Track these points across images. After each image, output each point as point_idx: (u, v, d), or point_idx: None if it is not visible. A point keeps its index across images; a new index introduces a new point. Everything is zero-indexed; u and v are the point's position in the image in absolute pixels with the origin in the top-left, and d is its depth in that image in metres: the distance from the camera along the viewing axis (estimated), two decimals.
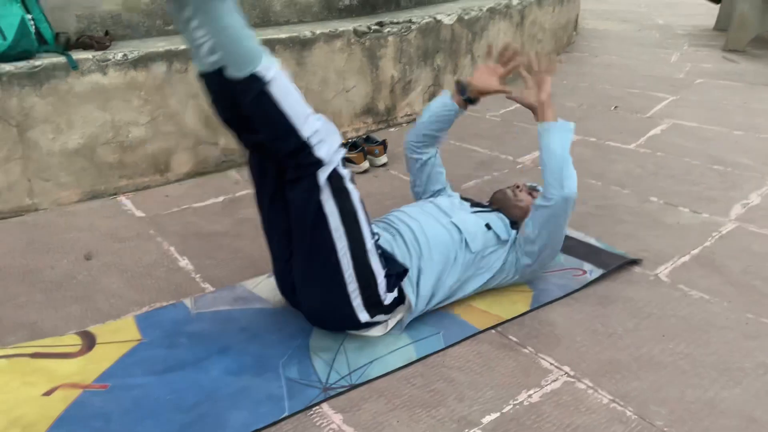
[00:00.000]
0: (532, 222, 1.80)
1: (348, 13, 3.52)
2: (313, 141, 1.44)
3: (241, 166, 2.92)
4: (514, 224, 1.91)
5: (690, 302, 1.86)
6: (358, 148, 2.89)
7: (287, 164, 1.49)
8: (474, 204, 2.03)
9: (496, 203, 2.07)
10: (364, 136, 3.08)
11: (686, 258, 2.11)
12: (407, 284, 1.69)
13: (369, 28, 3.27)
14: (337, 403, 1.47)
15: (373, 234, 1.68)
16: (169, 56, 2.61)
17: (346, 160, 2.74)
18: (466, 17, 3.83)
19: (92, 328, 1.74)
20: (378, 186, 2.75)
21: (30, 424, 1.37)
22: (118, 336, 1.70)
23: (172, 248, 2.20)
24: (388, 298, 1.63)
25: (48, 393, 1.48)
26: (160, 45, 2.64)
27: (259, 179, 1.61)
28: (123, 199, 2.61)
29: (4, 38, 2.30)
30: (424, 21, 3.55)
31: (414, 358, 1.61)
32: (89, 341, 1.68)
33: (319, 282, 1.59)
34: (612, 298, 1.88)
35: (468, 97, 1.99)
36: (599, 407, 1.44)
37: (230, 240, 2.27)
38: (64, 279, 2.01)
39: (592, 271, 1.99)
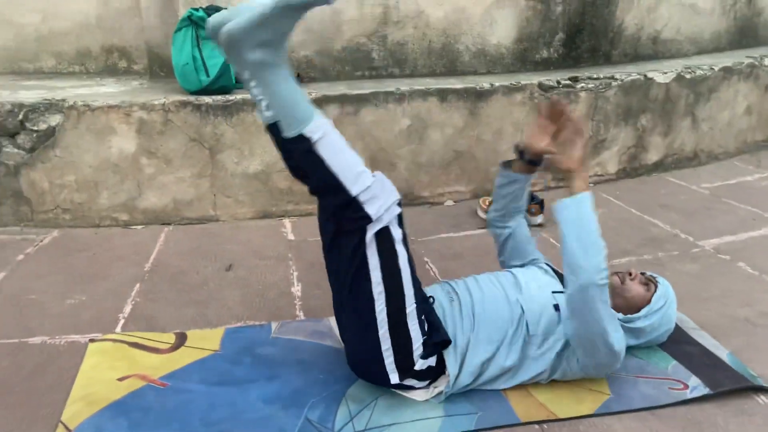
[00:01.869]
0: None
1: (545, 66, 3.40)
2: (362, 198, 1.45)
3: (406, 205, 3.00)
4: None
5: None
6: None
7: (339, 216, 1.52)
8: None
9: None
10: None
11: None
12: (451, 355, 1.59)
13: (558, 82, 3.12)
14: None
15: (426, 298, 1.63)
16: (341, 99, 2.82)
17: None
18: (689, 76, 3.43)
19: (189, 332, 1.96)
20: None
21: (93, 402, 1.60)
22: (203, 343, 1.89)
23: (294, 273, 2.37)
24: (422, 364, 1.56)
25: (122, 379, 1.71)
26: (339, 89, 2.87)
27: (321, 224, 1.67)
28: (286, 221, 2.88)
29: (208, 75, 2.71)
30: (630, 78, 3.26)
31: None
32: (179, 342, 1.90)
33: (355, 333, 1.58)
34: (700, 426, 1.53)
35: (530, 159, 1.80)
36: None
37: None
38: (198, 284, 2.29)
39: (696, 389, 1.64)
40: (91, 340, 1.90)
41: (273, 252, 2.56)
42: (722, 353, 1.80)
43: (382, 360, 1.54)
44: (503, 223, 1.95)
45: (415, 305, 1.54)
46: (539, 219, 2.80)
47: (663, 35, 3.71)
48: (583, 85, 3.17)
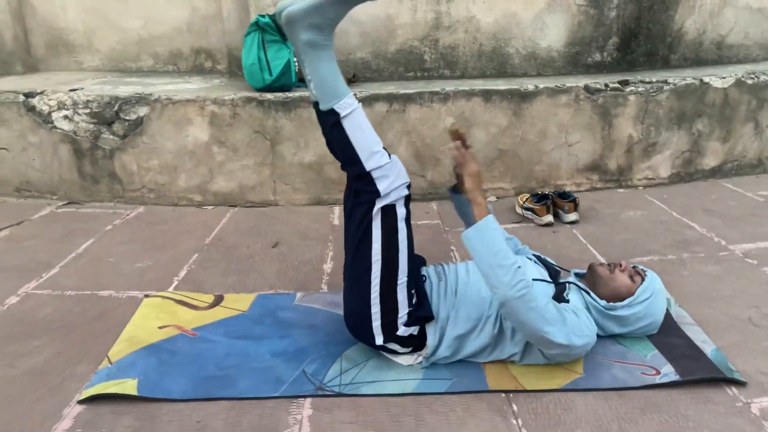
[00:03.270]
0: None
1: (597, 69, 3.42)
2: (375, 174, 1.65)
3: (444, 199, 3.16)
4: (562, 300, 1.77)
5: None
6: (545, 200, 2.85)
7: (355, 186, 1.72)
8: (552, 272, 1.91)
9: (589, 274, 1.92)
10: (559, 192, 2.99)
11: None
12: (432, 329, 1.75)
13: (606, 85, 3.14)
14: (319, 402, 1.64)
15: (419, 275, 1.79)
16: (390, 98, 3.01)
17: (530, 210, 2.78)
18: (750, 81, 3.32)
19: (226, 295, 2.23)
20: (545, 241, 2.68)
21: (134, 343, 1.90)
22: (235, 305, 2.16)
23: (330, 253, 2.59)
24: (404, 331, 1.72)
25: (162, 327, 2.00)
26: (388, 88, 3.06)
27: (345, 198, 1.85)
28: (335, 208, 3.11)
29: (271, 74, 2.99)
30: (684, 83, 3.22)
31: (408, 391, 1.67)
32: (216, 302, 2.17)
33: (351, 293, 1.77)
34: (661, 409, 1.58)
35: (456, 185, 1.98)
36: None
37: None
38: (245, 257, 2.57)
39: (666, 375, 1.69)
40: (146, 296, 2.21)
41: (316, 234, 2.80)
42: (708, 348, 1.83)
43: (371, 322, 1.72)
44: None
45: (406, 279, 1.71)
46: (573, 216, 2.85)
47: (728, 40, 3.60)
48: (632, 88, 3.17)
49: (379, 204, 1.67)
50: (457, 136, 1.80)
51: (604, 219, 2.92)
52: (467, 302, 1.76)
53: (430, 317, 1.74)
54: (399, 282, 1.70)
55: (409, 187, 1.71)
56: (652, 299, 1.83)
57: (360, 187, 1.69)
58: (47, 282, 2.35)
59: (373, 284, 1.70)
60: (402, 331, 1.73)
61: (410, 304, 1.73)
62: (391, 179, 1.66)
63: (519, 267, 1.59)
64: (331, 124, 1.67)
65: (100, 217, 3.05)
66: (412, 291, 1.74)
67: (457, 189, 2.02)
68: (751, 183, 3.41)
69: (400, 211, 1.70)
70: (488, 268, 1.59)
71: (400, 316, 1.71)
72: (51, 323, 2.06)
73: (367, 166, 1.65)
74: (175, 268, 2.47)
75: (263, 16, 2.97)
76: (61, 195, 3.25)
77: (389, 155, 1.69)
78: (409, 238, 1.72)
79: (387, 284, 1.70)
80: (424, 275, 1.85)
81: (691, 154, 3.38)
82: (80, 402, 1.64)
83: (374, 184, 1.66)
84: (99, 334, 1.98)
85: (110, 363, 1.79)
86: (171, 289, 2.29)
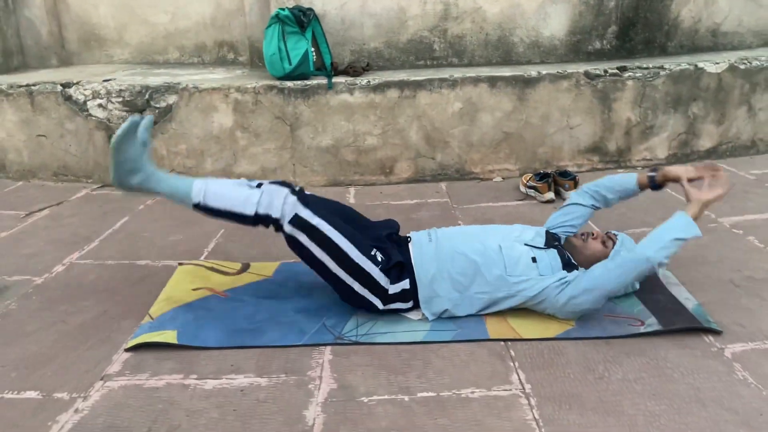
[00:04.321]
0: (604, 264, 1.86)
1: (598, 57, 3.56)
2: (261, 211, 1.86)
3: (453, 180, 3.33)
4: (572, 266, 1.93)
5: (729, 386, 1.61)
6: (547, 178, 3.01)
7: (266, 228, 1.92)
8: (551, 241, 2.05)
9: (567, 245, 2.07)
10: (560, 171, 3.14)
11: None
12: (425, 282, 1.92)
13: (605, 71, 3.29)
14: (338, 349, 1.82)
15: (375, 237, 1.99)
16: (401, 85, 3.17)
17: (532, 188, 2.94)
18: (743, 67, 3.45)
19: (253, 263, 2.41)
20: (546, 216, 2.81)
21: (172, 302, 2.08)
22: (262, 271, 2.34)
23: None
24: (395, 288, 1.91)
25: (196, 289, 2.18)
26: (400, 76, 3.23)
27: None
28: (351, 189, 3.29)
29: (290, 63, 3.17)
30: (679, 68, 3.35)
31: (418, 340, 1.85)
32: (243, 268, 2.36)
33: (337, 288, 1.95)
34: (644, 353, 1.74)
35: (655, 181, 2.08)
36: (521, 422, 1.49)
37: None
38: (269, 231, 2.73)
39: (651, 326, 1.85)
40: (180, 263, 2.40)
41: None
42: (690, 303, 1.98)
43: (362, 295, 1.90)
44: (580, 198, 2.20)
45: (357, 250, 1.87)
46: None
47: (723, 28, 3.72)
48: (630, 74, 3.31)
49: (287, 225, 1.86)
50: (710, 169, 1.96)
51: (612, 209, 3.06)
52: (462, 258, 1.92)
53: (401, 262, 1.92)
54: (353, 256, 1.87)
55: (293, 191, 1.89)
56: None
57: (267, 226, 1.90)
58: (89, 253, 2.56)
59: (339, 275, 1.88)
60: (392, 289, 1.91)
61: (377, 263, 1.89)
62: (275, 203, 1.86)
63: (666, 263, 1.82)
64: (205, 211, 1.89)
65: (132, 198, 3.25)
66: (372, 253, 1.90)
67: (655, 179, 2.08)
68: (745, 163, 3.54)
69: (305, 213, 1.87)
70: (672, 239, 1.80)
71: (376, 277, 1.88)
72: (96, 287, 2.26)
73: (251, 212, 1.86)
74: (204, 241, 2.66)
75: (283, 9, 3.15)
76: (96, 179, 3.45)
77: (257, 185, 1.89)
78: (332, 223, 1.88)
79: (347, 265, 1.87)
80: (408, 236, 2.03)
81: (687, 136, 3.51)
82: (127, 350, 1.83)
83: (270, 217, 1.87)
84: (139, 295, 2.18)
85: (151, 318, 1.98)
86: (202, 258, 2.49)
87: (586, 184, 2.23)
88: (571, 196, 2.24)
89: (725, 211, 2.80)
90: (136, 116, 1.90)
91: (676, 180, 2.00)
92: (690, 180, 1.96)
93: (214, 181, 1.93)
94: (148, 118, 1.92)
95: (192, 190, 1.88)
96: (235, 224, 1.95)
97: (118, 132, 1.84)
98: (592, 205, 2.18)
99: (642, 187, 2.11)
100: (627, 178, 2.14)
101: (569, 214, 2.19)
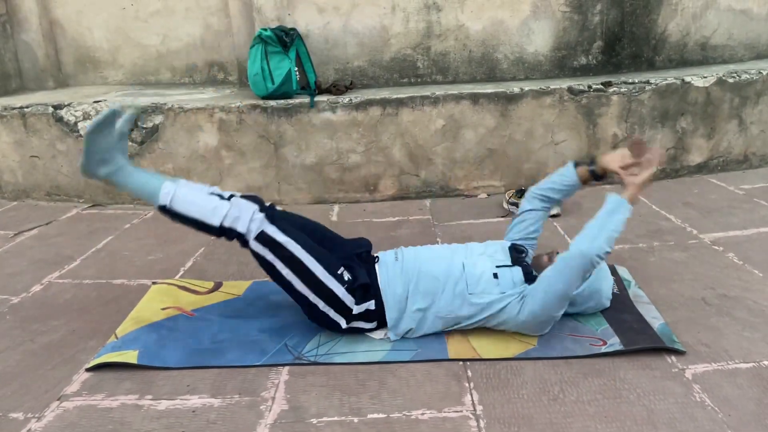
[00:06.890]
0: (551, 268, 1.84)
1: (583, 72, 3.54)
2: (227, 224, 1.85)
3: (438, 197, 3.32)
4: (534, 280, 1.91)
5: (684, 408, 1.57)
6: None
7: (230, 241, 1.92)
8: (516, 255, 2.03)
9: (534, 262, 2.05)
10: None
11: (741, 365, 1.73)
12: (392, 303, 1.90)
13: (589, 87, 3.27)
14: (296, 369, 1.81)
15: (343, 256, 1.96)
16: (383, 102, 3.18)
17: (514, 205, 2.92)
18: (732, 80, 3.40)
19: (225, 282, 2.42)
20: None
21: (138, 321, 2.09)
22: (232, 290, 2.34)
23: None
24: (360, 308, 1.89)
25: (164, 308, 2.19)
26: (383, 94, 3.24)
27: None
28: (335, 206, 3.29)
29: (273, 83, 3.20)
30: (665, 82, 3.32)
31: (376, 360, 1.83)
32: (215, 287, 2.36)
33: (302, 306, 1.94)
34: (602, 374, 1.71)
35: (594, 169, 2.04)
36: None
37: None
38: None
39: (612, 345, 1.82)
40: (154, 283, 2.42)
41: None
42: (657, 322, 1.94)
43: (326, 313, 1.89)
44: (528, 205, 2.18)
45: (322, 268, 1.86)
46: (555, 210, 2.97)
47: (713, 41, 3.68)
48: (615, 89, 3.28)
49: (253, 241, 1.85)
50: (639, 148, 1.93)
51: (586, 212, 3.03)
52: (426, 277, 1.90)
53: (366, 284, 1.90)
54: (318, 274, 1.85)
55: (262, 209, 1.89)
56: (592, 279, 1.95)
57: (231, 240, 1.89)
58: (68, 273, 2.58)
59: (304, 292, 1.87)
60: (357, 309, 1.89)
61: (343, 283, 1.87)
62: (242, 217, 1.85)
63: (610, 251, 1.79)
64: (169, 214, 1.89)
65: (120, 217, 3.28)
66: (339, 272, 1.89)
67: (596, 171, 2.04)
68: (736, 178, 3.48)
69: (271, 230, 1.86)
70: (607, 229, 1.78)
71: (341, 296, 1.86)
72: (70, 306, 2.28)
73: (217, 223, 1.85)
74: (182, 260, 2.67)
75: (266, 30, 3.18)
76: (86, 198, 3.50)
77: (229, 197, 1.89)
78: (299, 240, 1.87)
79: (312, 283, 1.86)
80: (377, 256, 2.02)
81: (676, 151, 3.47)
82: (87, 370, 1.84)
83: (235, 230, 1.85)
84: (110, 315, 2.19)
85: (116, 338, 1.99)
86: (177, 277, 2.50)
87: (531, 188, 2.21)
88: (522, 203, 2.22)
89: (708, 227, 2.76)
90: (116, 105, 1.90)
91: (614, 171, 1.96)
92: (626, 167, 1.93)
93: (184, 185, 1.93)
94: (131, 112, 1.93)
95: (160, 191, 1.87)
96: (201, 233, 1.94)
97: (94, 120, 1.85)
98: (543, 207, 2.16)
99: (584, 181, 2.07)
100: (567, 176, 2.10)
101: (525, 221, 2.16)
